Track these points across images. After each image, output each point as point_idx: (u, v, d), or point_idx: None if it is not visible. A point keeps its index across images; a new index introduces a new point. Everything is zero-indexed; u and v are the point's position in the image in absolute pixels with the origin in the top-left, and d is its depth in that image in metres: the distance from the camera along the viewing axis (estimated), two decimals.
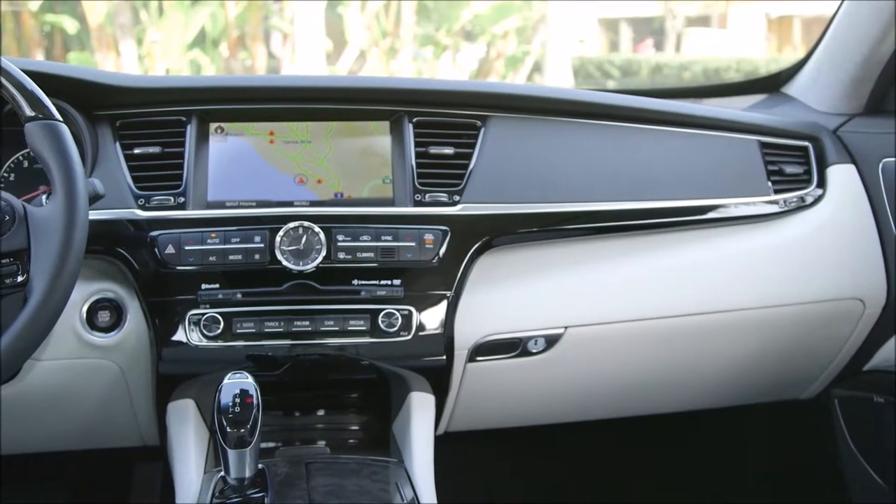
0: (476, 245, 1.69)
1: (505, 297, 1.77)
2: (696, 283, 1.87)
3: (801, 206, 1.92)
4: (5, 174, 1.74)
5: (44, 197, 1.38)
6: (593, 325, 1.82)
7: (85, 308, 1.65)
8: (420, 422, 1.71)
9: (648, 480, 2.59)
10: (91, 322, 1.65)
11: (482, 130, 1.76)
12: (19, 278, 1.27)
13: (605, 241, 1.83)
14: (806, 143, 1.97)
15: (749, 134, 1.93)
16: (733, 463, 2.55)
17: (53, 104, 1.34)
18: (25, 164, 1.74)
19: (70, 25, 14.42)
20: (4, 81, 1.32)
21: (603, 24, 20.24)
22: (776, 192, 1.90)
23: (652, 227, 1.83)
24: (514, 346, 1.80)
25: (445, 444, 1.79)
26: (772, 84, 2.40)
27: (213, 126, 1.70)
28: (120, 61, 14.16)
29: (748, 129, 1.93)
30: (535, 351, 1.81)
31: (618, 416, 2.13)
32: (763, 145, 1.92)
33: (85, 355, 1.67)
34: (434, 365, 1.71)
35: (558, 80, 15.04)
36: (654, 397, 2.08)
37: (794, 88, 2.31)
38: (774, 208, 1.90)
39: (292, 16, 14.98)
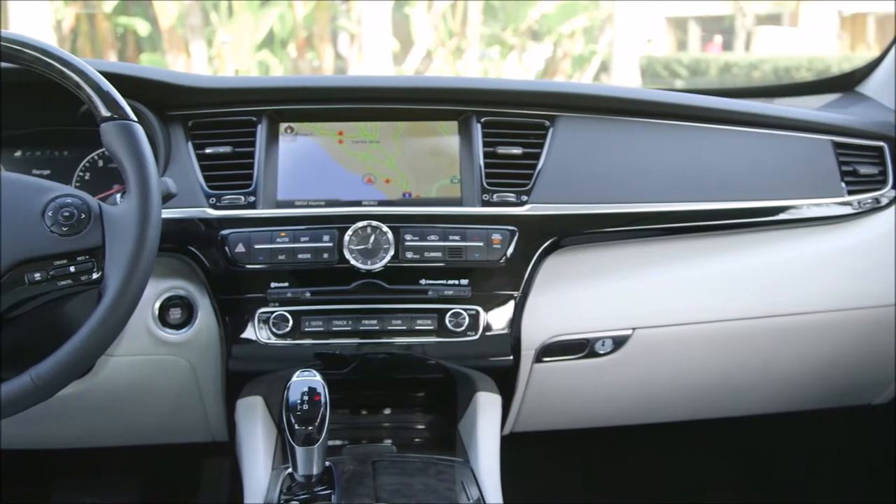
0: (544, 245, 1.68)
1: (573, 297, 1.76)
2: (767, 285, 1.84)
3: (876, 208, 1.89)
4: (81, 173, 1.77)
5: (118, 196, 1.40)
6: (662, 327, 1.81)
7: (157, 305, 1.67)
8: (486, 422, 1.71)
9: (714, 484, 2.57)
10: (163, 319, 1.68)
11: (550, 130, 1.75)
12: (94, 275, 1.30)
13: (674, 243, 1.82)
14: (881, 144, 1.93)
15: (822, 134, 1.89)
16: (803, 467, 2.51)
17: (128, 105, 1.36)
18: (100, 163, 1.78)
19: (142, 27, 14.68)
20: (81, 82, 1.34)
21: (671, 23, 20.07)
22: (850, 193, 1.87)
23: (722, 227, 1.80)
24: (582, 347, 1.79)
25: (511, 445, 1.79)
26: (845, 83, 2.35)
27: (282, 126, 1.72)
28: (190, 62, 14.38)
29: (821, 128, 1.90)
30: (602, 352, 1.79)
31: (685, 419, 2.11)
32: (837, 145, 1.89)
33: (156, 352, 1.69)
34: (501, 365, 1.70)
35: (625, 80, 14.95)
36: (723, 400, 2.05)
37: (868, 87, 2.26)
38: (848, 210, 1.86)
39: (359, 16, 15.07)
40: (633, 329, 1.79)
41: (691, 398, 2.01)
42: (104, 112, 1.34)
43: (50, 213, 1.30)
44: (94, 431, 1.94)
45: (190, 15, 14.52)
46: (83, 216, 1.30)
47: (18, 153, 1.78)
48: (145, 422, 1.89)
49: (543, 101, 1.79)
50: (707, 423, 2.13)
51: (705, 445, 2.52)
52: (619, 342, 1.79)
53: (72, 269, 1.29)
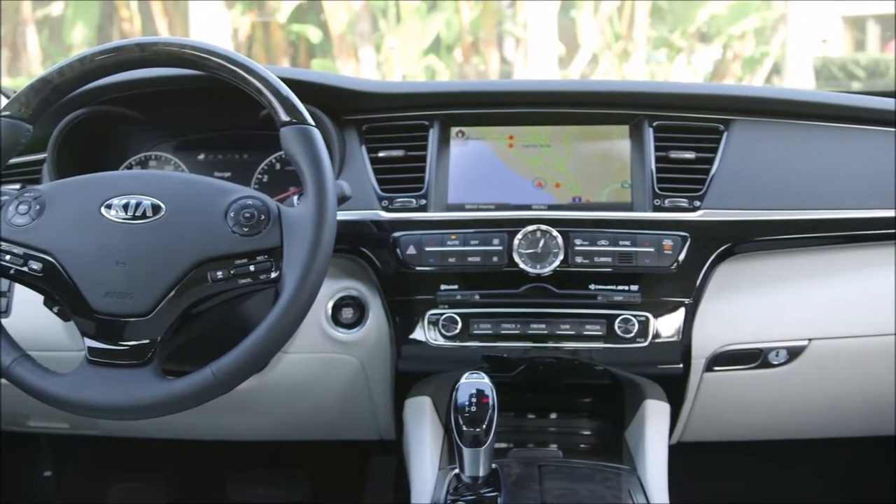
0: (717, 252, 1.64)
1: (746, 306, 1.71)
2: None
3: None
4: (259, 175, 1.83)
5: (295, 198, 1.44)
6: (840, 339, 1.74)
7: (331, 305, 1.71)
8: (654, 430, 1.69)
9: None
10: (336, 318, 1.72)
11: (725, 135, 1.72)
12: (272, 274, 1.33)
13: (852, 251, 1.75)
14: None
15: None
16: None
17: (306, 109, 1.40)
18: (278, 166, 1.83)
19: (314, 34, 15.10)
20: (263, 88, 1.38)
21: (847, 22, 19.33)
22: None
23: None
24: (754, 357, 1.74)
25: (679, 454, 1.75)
26: None
27: (454, 130, 1.74)
28: (359, 67, 14.68)
29: None
30: (776, 363, 1.74)
31: (862, 434, 2.03)
32: None
33: (329, 350, 1.74)
34: (670, 373, 1.68)
35: (799, 82, 14.49)
36: None
37: None
38: None
39: (525, 20, 15.08)
40: (810, 340, 1.73)
41: (870, 413, 1.92)
42: (284, 117, 1.37)
43: (232, 214, 1.34)
44: (268, 425, 2.00)
45: (359, 21, 14.84)
46: (262, 217, 1.34)
47: (201, 156, 1.86)
48: (316, 418, 1.95)
49: (718, 104, 1.75)
50: (885, 440, 2.04)
51: (878, 462, 2.42)
52: (794, 353, 1.73)
53: (251, 267, 1.33)
